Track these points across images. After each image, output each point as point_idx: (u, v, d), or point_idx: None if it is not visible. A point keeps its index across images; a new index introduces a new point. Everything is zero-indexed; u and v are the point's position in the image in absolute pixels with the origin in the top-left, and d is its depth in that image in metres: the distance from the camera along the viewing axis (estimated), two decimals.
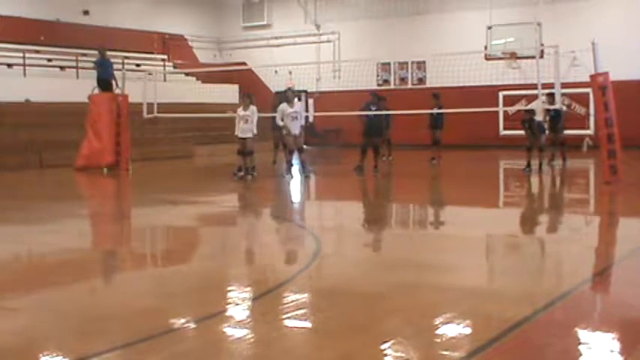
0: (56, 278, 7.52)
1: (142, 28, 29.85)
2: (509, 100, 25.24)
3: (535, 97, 17.61)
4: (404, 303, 6.25)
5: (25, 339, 5.39)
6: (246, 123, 16.53)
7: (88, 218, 12.78)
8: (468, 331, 5.44)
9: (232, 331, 5.59)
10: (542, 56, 19.46)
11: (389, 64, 28.79)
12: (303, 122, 17.45)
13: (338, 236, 10.33)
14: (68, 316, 6.02)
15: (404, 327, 5.57)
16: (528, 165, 17.19)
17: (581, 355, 4.97)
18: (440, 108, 20.17)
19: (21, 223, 11.25)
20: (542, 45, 23.04)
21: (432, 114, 20.22)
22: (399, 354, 4.98)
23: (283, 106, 17.12)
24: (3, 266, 8.22)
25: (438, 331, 5.43)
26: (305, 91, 28.51)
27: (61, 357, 4.98)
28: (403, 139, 23.32)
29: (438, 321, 5.64)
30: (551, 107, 17.38)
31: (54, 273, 7.81)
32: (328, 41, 30.18)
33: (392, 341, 5.17)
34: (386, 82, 28.97)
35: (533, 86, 17.06)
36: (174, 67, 30.65)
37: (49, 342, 5.35)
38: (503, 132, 25.96)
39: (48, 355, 5.05)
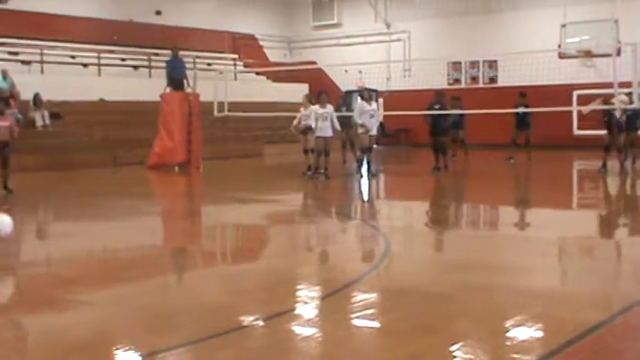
0: (129, 274, 7.64)
1: (213, 28, 30.18)
2: (584, 100, 24.69)
3: (611, 96, 17.18)
4: (474, 304, 6.17)
5: (99, 332, 5.50)
6: (325, 121, 16.49)
7: (160, 215, 12.97)
8: (540, 334, 5.34)
9: (301, 330, 5.60)
10: (619, 54, 19.03)
11: (460, 63, 28.49)
12: (378, 121, 17.39)
13: (407, 236, 10.27)
14: (141, 311, 6.12)
15: (474, 329, 5.50)
16: (604, 165, 16.80)
17: None
18: (526, 107, 19.95)
19: (95, 220, 11.48)
20: (619, 42, 22.52)
21: (517, 113, 20.03)
22: (468, 356, 4.91)
23: (361, 103, 17.10)
24: (78, 261, 8.40)
25: (509, 334, 5.34)
26: (375, 91, 28.42)
27: (134, 351, 5.06)
28: (479, 139, 23.10)
29: (508, 323, 5.55)
30: (629, 107, 16.93)
31: (127, 269, 7.94)
32: (398, 40, 30.04)
33: (461, 343, 5.11)
34: (456, 81, 28.69)
35: (609, 85, 16.69)
36: (245, 66, 30.90)
37: (122, 336, 5.45)
38: (577, 132, 25.43)
39: (121, 348, 5.14)
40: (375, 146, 17.70)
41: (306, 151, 17.02)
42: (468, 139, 21.25)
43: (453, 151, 20.35)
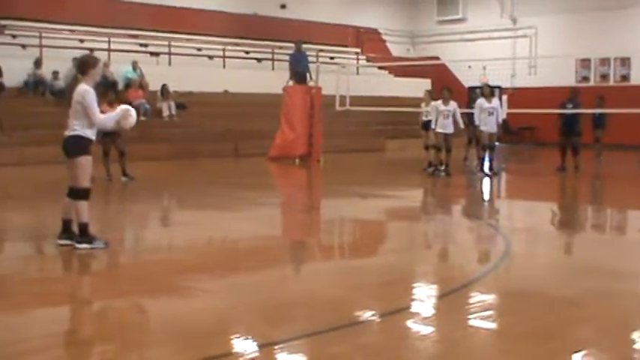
0: (248, 264, 7.74)
1: (337, 22, 30.29)
2: None
3: None
4: (599, 311, 5.93)
5: (217, 320, 5.59)
6: (447, 118, 16.29)
7: (280, 207, 13.10)
8: None
9: (416, 328, 5.52)
10: None
11: (589, 60, 27.54)
12: (500, 119, 17.02)
13: (528, 237, 9.99)
14: (258, 301, 6.17)
15: (598, 337, 5.29)
16: None
17: None
18: None
19: (217, 209, 11.69)
20: None
21: None
22: None
23: (480, 100, 16.82)
24: (199, 250, 8.56)
25: (635, 345, 5.11)
26: (499, 87, 27.85)
27: (250, 340, 5.11)
28: (616, 140, 22.38)
29: (634, 333, 5.31)
30: None
31: (246, 259, 8.05)
32: (525, 36, 29.32)
33: (584, 351, 4.92)
34: (585, 79, 27.77)
35: None
36: (367, 60, 30.90)
37: (239, 325, 5.52)
38: None
39: (238, 337, 5.20)
40: (496, 144, 17.35)
41: (426, 147, 16.85)
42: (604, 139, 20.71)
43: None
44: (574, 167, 17.24)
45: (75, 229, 8.07)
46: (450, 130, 16.32)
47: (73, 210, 7.99)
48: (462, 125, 16.74)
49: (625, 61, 26.72)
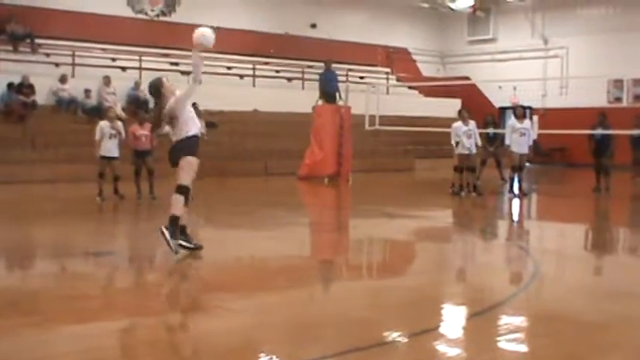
0: (275, 284, 7.74)
1: (367, 42, 30.38)
2: None
3: None
4: (628, 336, 5.85)
5: (242, 339, 5.58)
6: (470, 138, 16.28)
7: (308, 227, 13.11)
8: None
9: (443, 349, 5.48)
10: None
11: (621, 80, 27.32)
12: (531, 140, 17.03)
13: (557, 259, 9.91)
14: (284, 321, 6.17)
15: None
16: None
17: None
18: None
19: (245, 228, 11.73)
20: None
21: None
22: None
23: (512, 121, 16.82)
24: (226, 269, 8.59)
25: None
26: (530, 108, 27.73)
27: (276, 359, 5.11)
28: None
29: None
30: None
31: (273, 278, 8.05)
32: (556, 56, 29.23)
33: None
34: (617, 99, 27.54)
35: None
36: (397, 80, 30.92)
37: (265, 344, 5.51)
38: None
39: (263, 356, 5.19)
40: (527, 165, 17.27)
41: (455, 168, 16.81)
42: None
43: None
44: (605, 189, 17.16)
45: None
46: (473, 150, 16.34)
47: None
48: (479, 143, 16.76)
49: None
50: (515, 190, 16.78)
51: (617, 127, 18.52)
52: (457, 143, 16.35)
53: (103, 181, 14.22)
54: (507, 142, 16.79)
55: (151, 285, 7.78)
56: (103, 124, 14.40)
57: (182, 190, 8.67)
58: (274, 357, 5.17)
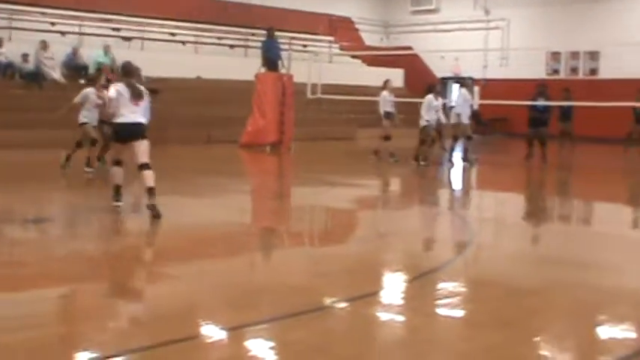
0: (216, 250, 7.80)
1: (310, 10, 30.27)
2: None
3: None
4: (557, 301, 6.07)
5: (182, 305, 5.65)
6: (437, 112, 16.77)
7: (249, 194, 13.15)
8: (622, 335, 5.22)
9: (378, 314, 5.62)
10: None
11: (559, 53, 27.77)
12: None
13: (493, 227, 10.16)
14: (223, 287, 6.24)
15: (554, 325, 5.42)
16: None
17: None
18: None
19: (187, 196, 11.70)
20: None
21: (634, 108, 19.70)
22: (545, 352, 4.85)
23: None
24: (167, 236, 8.61)
25: (590, 333, 5.25)
26: (471, 79, 28.05)
27: (215, 324, 5.17)
28: (585, 132, 22.74)
29: (591, 322, 5.45)
30: None
31: (214, 245, 8.10)
32: (497, 28, 29.52)
33: (540, 338, 5.05)
34: (555, 71, 28.00)
35: None
36: (340, 49, 30.93)
37: (205, 309, 5.59)
38: None
39: (202, 321, 5.26)
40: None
41: (423, 142, 16.91)
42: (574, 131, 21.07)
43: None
44: (542, 159, 17.46)
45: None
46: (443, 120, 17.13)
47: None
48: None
49: (594, 55, 26.99)
50: (455, 159, 17.11)
51: (553, 99, 18.99)
52: (388, 114, 17.24)
53: (78, 149, 13.50)
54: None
55: (89, 252, 7.76)
56: (90, 91, 13.51)
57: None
58: (213, 322, 5.25)
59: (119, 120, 9.45)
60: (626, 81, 23.37)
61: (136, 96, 9.56)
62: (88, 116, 13.43)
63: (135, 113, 9.49)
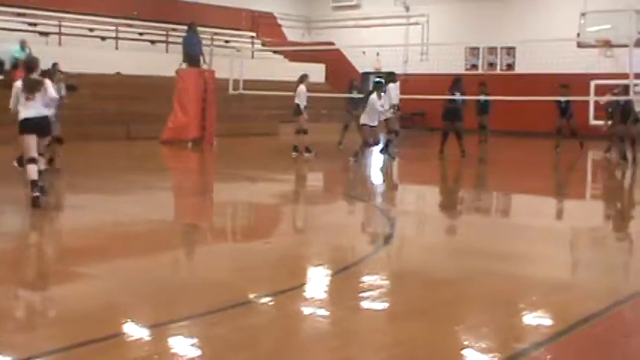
0: (135, 248, 7.75)
1: (232, 5, 30.12)
2: (602, 90, 24.51)
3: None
4: (473, 290, 6.23)
5: (102, 304, 5.59)
6: (382, 108, 16.43)
7: (171, 191, 13.06)
8: (534, 322, 5.40)
9: (301, 309, 5.68)
10: (638, 45, 18.92)
11: (477, 48, 28.31)
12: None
13: (412, 220, 10.32)
14: (144, 284, 6.20)
15: (472, 315, 5.56)
16: (624, 157, 16.67)
17: None
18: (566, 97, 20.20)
19: (106, 193, 11.58)
20: (638, 33, 22.34)
21: (559, 102, 20.14)
22: (461, 341, 4.98)
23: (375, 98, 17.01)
24: (87, 234, 8.49)
25: (504, 321, 5.41)
26: (392, 74, 28.32)
27: (134, 323, 5.15)
28: (502, 126, 23.26)
29: (505, 310, 5.62)
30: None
31: (135, 243, 8.04)
32: (417, 23, 29.89)
33: (456, 328, 5.18)
34: (474, 66, 28.52)
35: (628, 76, 16.59)
36: (263, 44, 30.89)
37: (124, 308, 5.54)
38: (592, 122, 25.26)
39: (121, 319, 5.22)
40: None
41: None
42: (490, 125, 21.47)
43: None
44: (460, 152, 17.70)
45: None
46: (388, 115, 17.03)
47: None
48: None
49: (510, 51, 27.62)
50: (376, 153, 17.35)
51: (470, 93, 19.39)
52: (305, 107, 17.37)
53: None
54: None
55: (5, 252, 7.60)
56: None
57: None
58: (133, 320, 5.22)
59: (18, 118, 9.33)
60: (541, 75, 24.03)
61: (28, 89, 9.38)
62: None
63: (28, 109, 9.34)
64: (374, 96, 15.87)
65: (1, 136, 14.33)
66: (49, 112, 9.67)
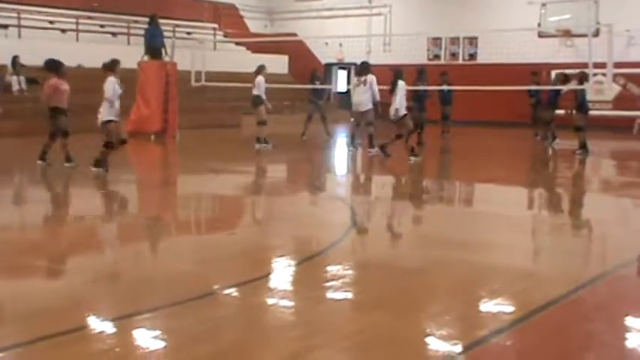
0: (99, 241, 7.69)
1: None
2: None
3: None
4: (435, 279, 6.28)
5: (66, 299, 5.55)
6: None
7: (133, 184, 12.98)
8: (496, 309, 5.45)
9: (263, 299, 5.68)
10: (597, 35, 19.16)
11: (440, 38, 28.45)
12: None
13: (375, 210, 10.37)
14: (106, 278, 6.18)
15: (434, 303, 5.62)
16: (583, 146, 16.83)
17: (605, 338, 4.96)
18: (538, 85, 20.58)
19: (69, 186, 11.47)
20: (597, 23, 22.60)
21: (530, 92, 20.43)
22: (424, 329, 5.02)
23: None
24: (49, 228, 8.42)
25: (466, 309, 5.46)
26: (355, 64, 28.36)
27: (96, 316, 5.12)
28: (465, 116, 23.45)
29: (467, 298, 5.68)
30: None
31: (96, 236, 7.99)
32: (380, 14, 29.94)
33: (421, 316, 5.22)
34: (436, 57, 28.66)
35: (587, 65, 16.78)
36: (225, 36, 30.76)
37: (85, 302, 5.50)
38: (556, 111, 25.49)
39: (83, 313, 5.18)
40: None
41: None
42: (453, 115, 21.61)
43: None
44: (418, 143, 17.74)
45: None
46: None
47: None
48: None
49: (473, 41, 27.79)
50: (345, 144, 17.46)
51: (433, 84, 19.50)
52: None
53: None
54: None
55: None
56: (114, 79, 12.70)
57: None
58: (96, 313, 5.19)
59: None
60: (503, 65, 24.25)
61: None
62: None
63: None
64: (402, 82, 16.04)
65: None
66: None
